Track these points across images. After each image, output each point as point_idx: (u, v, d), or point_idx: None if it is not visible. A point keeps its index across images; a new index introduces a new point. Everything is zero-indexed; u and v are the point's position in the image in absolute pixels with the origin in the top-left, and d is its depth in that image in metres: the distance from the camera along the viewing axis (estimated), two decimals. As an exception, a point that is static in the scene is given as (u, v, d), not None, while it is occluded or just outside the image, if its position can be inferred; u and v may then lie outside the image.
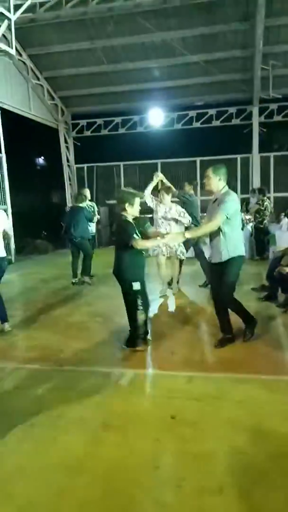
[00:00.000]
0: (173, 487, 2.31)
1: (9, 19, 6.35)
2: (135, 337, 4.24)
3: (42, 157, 21.37)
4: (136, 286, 4.08)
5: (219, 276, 4.20)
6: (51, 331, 5.12)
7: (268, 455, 2.53)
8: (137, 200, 4.20)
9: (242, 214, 10.80)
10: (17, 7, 6.50)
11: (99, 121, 13.78)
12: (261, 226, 9.82)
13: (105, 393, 3.44)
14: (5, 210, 8.61)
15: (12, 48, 7.07)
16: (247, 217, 10.48)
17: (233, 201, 4.10)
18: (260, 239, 9.94)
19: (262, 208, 9.81)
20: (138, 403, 3.27)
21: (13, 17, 6.34)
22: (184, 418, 3.01)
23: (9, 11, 6.26)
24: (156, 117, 13.15)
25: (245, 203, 11.43)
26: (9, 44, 7.80)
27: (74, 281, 7.55)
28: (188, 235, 4.25)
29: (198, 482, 2.34)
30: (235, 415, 3.00)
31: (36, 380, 3.71)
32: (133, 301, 4.13)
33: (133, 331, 4.24)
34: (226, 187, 4.20)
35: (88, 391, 3.48)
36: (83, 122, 14.04)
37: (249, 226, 10.18)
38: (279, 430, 2.79)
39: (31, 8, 7.36)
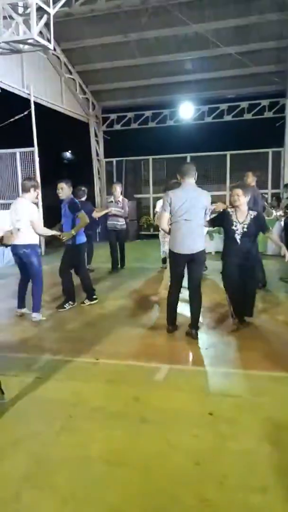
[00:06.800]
0: (215, 483, 2.30)
1: (48, 13, 6.34)
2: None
3: (72, 151, 21.48)
4: None
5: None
6: (85, 323, 5.18)
7: (312, 456, 2.49)
8: None
9: (273, 209, 10.65)
10: (54, 1, 6.51)
11: (130, 114, 13.76)
12: None
13: (141, 387, 3.45)
14: (36, 204, 8.64)
15: (50, 43, 7.08)
16: (278, 212, 10.27)
17: None
18: None
19: None
20: (175, 398, 3.27)
21: (52, 11, 6.34)
22: (223, 415, 2.99)
23: (48, 5, 6.26)
24: (186, 111, 13.02)
25: (274, 198, 11.23)
26: (46, 38, 7.85)
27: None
28: None
29: (241, 479, 2.32)
30: (274, 414, 2.96)
31: (72, 372, 3.76)
32: None
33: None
34: None
35: (124, 385, 3.50)
36: (113, 116, 14.06)
37: (281, 222, 9.96)
38: None
39: (67, 2, 7.36)
